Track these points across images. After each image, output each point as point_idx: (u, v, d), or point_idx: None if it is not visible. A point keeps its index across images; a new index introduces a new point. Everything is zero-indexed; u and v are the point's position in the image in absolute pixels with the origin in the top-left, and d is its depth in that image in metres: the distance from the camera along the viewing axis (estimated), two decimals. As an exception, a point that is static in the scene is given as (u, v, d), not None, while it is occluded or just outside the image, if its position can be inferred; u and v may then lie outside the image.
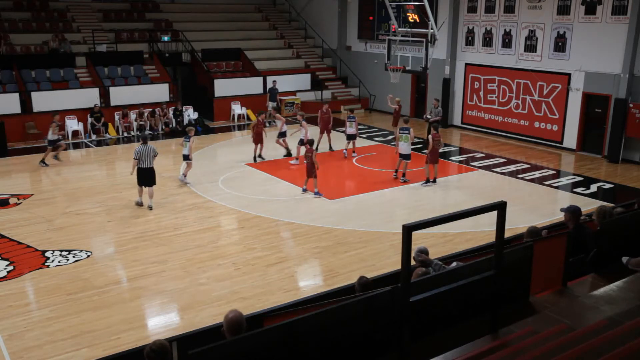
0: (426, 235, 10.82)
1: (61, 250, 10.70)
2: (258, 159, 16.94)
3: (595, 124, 18.17)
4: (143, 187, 13.04)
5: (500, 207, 4.25)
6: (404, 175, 14.99)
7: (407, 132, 14.73)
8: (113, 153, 19.06)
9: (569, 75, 18.50)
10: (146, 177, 12.94)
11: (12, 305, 8.74)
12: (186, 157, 14.79)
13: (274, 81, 23.24)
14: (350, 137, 17.54)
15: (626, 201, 10.25)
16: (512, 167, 16.74)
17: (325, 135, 18.04)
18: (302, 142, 16.09)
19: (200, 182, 14.94)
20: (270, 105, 22.62)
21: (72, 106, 20.27)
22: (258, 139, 16.73)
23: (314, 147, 14.28)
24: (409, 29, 18.41)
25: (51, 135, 16.59)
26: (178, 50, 24.56)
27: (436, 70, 21.80)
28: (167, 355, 4.53)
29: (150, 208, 12.93)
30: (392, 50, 18.71)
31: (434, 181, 14.73)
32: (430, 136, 14.57)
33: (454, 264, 6.23)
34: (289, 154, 17.30)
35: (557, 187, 15.00)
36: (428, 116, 18.83)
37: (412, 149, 15.28)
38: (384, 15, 23.46)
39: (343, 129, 18.55)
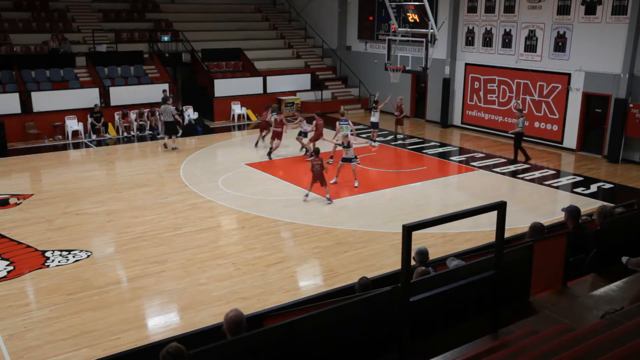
0: (426, 235, 10.82)
1: (61, 250, 10.70)
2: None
3: (595, 124, 18.18)
4: (168, 136, 18.22)
5: (500, 207, 4.25)
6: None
7: (346, 123, 16.39)
8: (113, 153, 19.05)
9: (569, 75, 18.50)
10: (168, 128, 18.25)
11: (12, 305, 8.74)
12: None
13: (165, 90, 20.88)
14: (374, 126, 19.52)
15: (626, 201, 10.24)
16: (512, 167, 16.73)
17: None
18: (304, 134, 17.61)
19: (200, 182, 14.94)
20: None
21: (72, 106, 20.27)
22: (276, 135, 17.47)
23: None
24: (409, 29, 18.40)
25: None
26: (178, 50, 24.55)
27: (436, 70, 21.80)
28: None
29: (174, 148, 18.07)
30: (392, 50, 18.69)
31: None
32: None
33: (455, 262, 6.23)
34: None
35: (557, 187, 14.99)
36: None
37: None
38: (384, 15, 23.47)
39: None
